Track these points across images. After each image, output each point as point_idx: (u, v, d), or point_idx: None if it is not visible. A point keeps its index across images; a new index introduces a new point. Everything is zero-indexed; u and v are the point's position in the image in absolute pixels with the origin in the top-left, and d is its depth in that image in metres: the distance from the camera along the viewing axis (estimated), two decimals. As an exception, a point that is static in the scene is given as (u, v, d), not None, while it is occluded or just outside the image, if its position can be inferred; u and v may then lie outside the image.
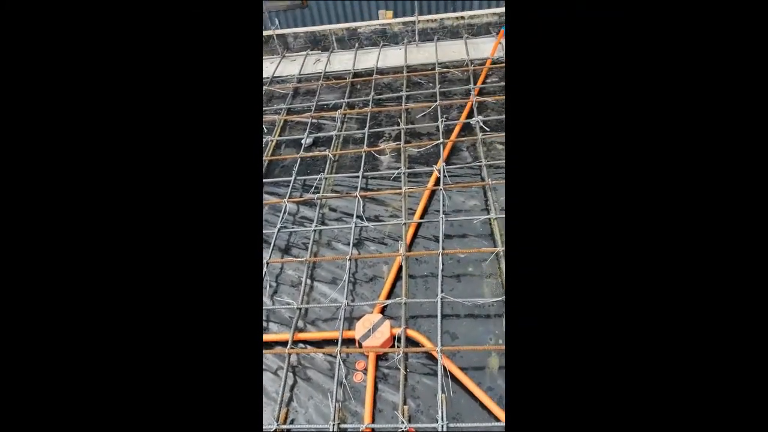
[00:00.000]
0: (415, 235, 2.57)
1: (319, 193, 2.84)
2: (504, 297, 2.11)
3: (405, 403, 1.87)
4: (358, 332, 2.09)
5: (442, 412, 1.75)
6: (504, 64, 3.62)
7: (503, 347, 1.97)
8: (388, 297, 2.25)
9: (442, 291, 2.18)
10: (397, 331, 2.07)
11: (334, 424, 1.80)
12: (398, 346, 2.00)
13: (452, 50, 4.03)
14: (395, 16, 4.24)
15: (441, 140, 2.99)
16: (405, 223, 2.53)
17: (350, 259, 2.37)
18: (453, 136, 3.09)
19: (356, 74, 3.95)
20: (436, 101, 3.34)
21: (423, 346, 2.01)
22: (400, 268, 2.36)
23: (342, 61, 4.19)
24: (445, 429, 1.71)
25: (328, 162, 3.06)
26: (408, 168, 2.94)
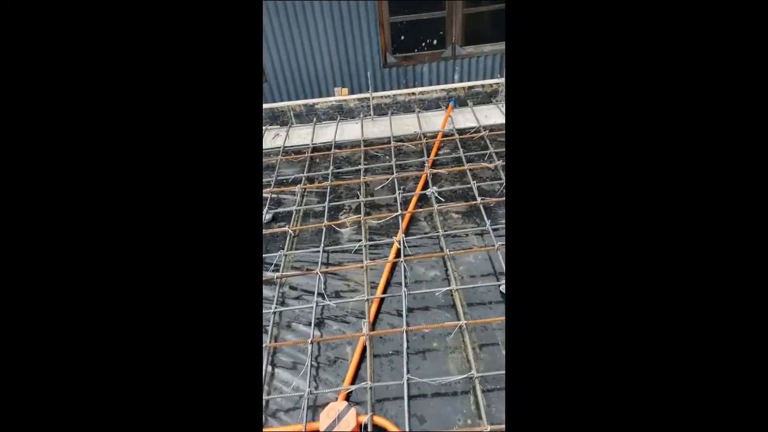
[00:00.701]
0: (378, 311, 2.55)
1: (278, 271, 2.80)
2: (469, 373, 2.09)
3: (374, 502, 1.75)
4: (322, 423, 1.98)
5: None
6: (452, 137, 3.86)
7: (473, 429, 1.92)
8: (353, 381, 2.17)
9: (408, 371, 2.13)
10: (364, 418, 1.98)
11: None
12: (365, 437, 1.91)
13: (406, 123, 4.27)
14: (351, 92, 4.49)
15: (399, 212, 3.07)
16: (368, 299, 2.51)
17: (312, 343, 2.30)
18: (411, 207, 3.19)
19: (315, 148, 4.07)
20: (392, 174, 3.47)
21: (391, 435, 1.93)
22: (364, 349, 2.30)
23: (300, 135, 4.33)
24: None
25: (288, 238, 3.05)
26: (369, 240, 2.97)
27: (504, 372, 2.14)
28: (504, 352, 2.27)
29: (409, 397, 2.07)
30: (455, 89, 4.42)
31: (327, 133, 4.30)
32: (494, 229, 2.85)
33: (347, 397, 2.13)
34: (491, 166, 3.47)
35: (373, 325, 2.44)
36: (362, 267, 2.72)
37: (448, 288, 2.57)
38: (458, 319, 2.39)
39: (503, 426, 1.91)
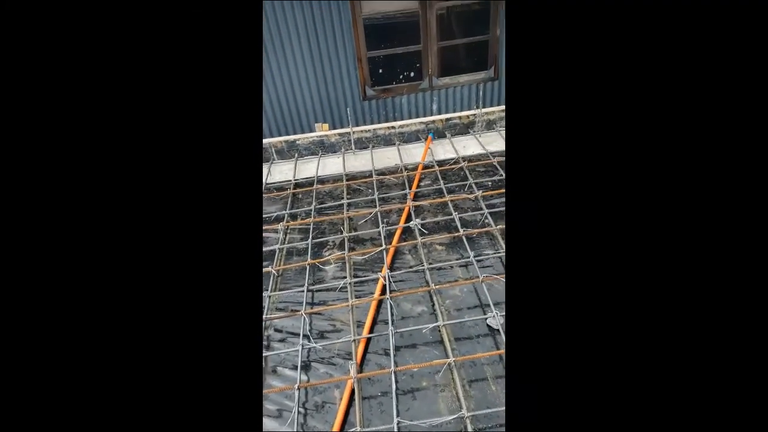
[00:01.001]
0: (365, 351, 2.51)
1: (262, 314, 2.75)
2: (460, 413, 2.06)
3: None
4: (310, 477, 1.91)
5: None
6: (433, 169, 3.92)
7: (466, 472, 1.87)
8: (342, 426, 2.11)
9: (398, 413, 2.09)
10: (354, 468, 1.92)
11: None
12: (356, 488, 1.85)
13: (387, 156, 4.33)
14: (331, 127, 4.55)
15: (384, 246, 3.07)
16: (354, 340, 2.48)
17: (299, 389, 2.24)
18: (395, 241, 3.20)
19: (297, 184, 4.08)
20: (376, 207, 3.49)
21: (382, 485, 1.87)
22: (352, 392, 2.26)
23: (282, 171, 4.34)
24: None
25: (271, 278, 3.01)
26: (354, 277, 2.95)
27: (494, 410, 2.12)
28: (494, 387, 2.26)
29: (400, 442, 2.02)
30: (433, 121, 4.52)
31: (309, 168, 4.33)
32: (478, 260, 2.87)
33: (336, 446, 2.07)
34: (472, 196, 3.52)
35: (360, 366, 2.40)
36: (348, 306, 2.70)
37: (435, 324, 2.55)
38: (446, 356, 2.37)
39: (496, 468, 1.87)
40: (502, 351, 2.34)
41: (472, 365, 2.38)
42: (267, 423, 2.22)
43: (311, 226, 3.43)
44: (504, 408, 2.15)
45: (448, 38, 4.44)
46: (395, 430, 2.02)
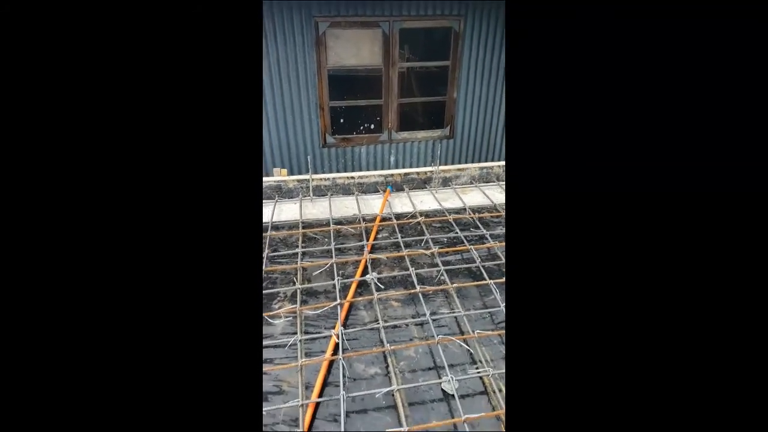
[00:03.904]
0: (313, 417, 2.34)
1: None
2: (413, 490, 1.94)
3: None
4: None
5: None
6: (390, 222, 3.94)
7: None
8: None
9: (345, 492, 1.92)
10: None
11: None
12: None
13: (345, 206, 4.31)
14: (290, 173, 4.49)
15: (339, 300, 2.97)
16: (302, 405, 2.31)
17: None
18: (350, 296, 3.11)
19: (250, 229, 3.92)
20: (332, 258, 3.41)
21: None
22: (297, 466, 2.06)
23: (235, 214, 4.17)
24: None
25: (215, 332, 2.79)
26: (304, 333, 2.81)
27: (449, 486, 2.01)
28: (448, 459, 2.16)
29: None
30: (392, 175, 4.60)
31: (263, 213, 4.20)
32: (434, 320, 2.84)
33: None
34: (428, 252, 3.55)
35: (307, 436, 2.22)
36: (297, 366, 2.53)
37: (389, 388, 2.44)
38: (399, 423, 2.26)
39: None
40: (458, 419, 2.26)
41: (426, 434, 2.28)
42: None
43: (261, 276, 3.26)
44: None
45: (408, 95, 4.64)
46: None
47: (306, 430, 2.23)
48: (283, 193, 4.46)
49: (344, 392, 2.35)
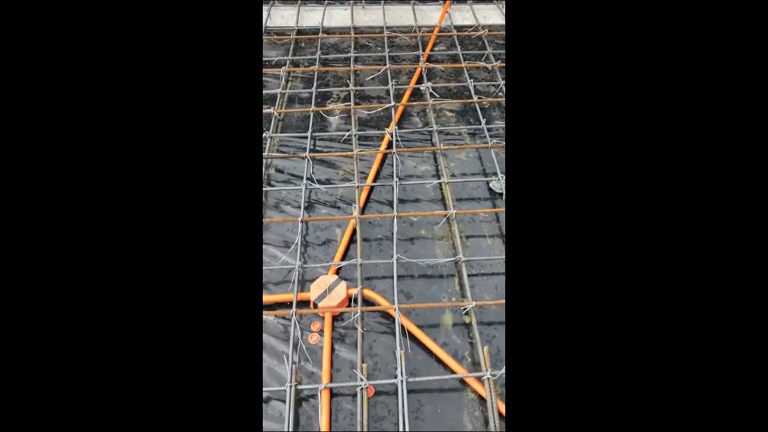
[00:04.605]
0: (368, 199, 2.53)
1: (263, 152, 2.66)
2: (457, 257, 2.17)
3: (363, 361, 1.86)
4: (313, 293, 2.02)
5: (401, 368, 1.77)
6: (451, 33, 3.63)
7: (457, 304, 2.02)
8: (343, 259, 2.20)
9: (396, 252, 2.17)
10: (354, 291, 2.04)
11: (290, 386, 1.74)
12: (355, 306, 1.98)
13: (399, 15, 3.95)
14: (341, -27, 4.03)
15: (392, 103, 2.94)
16: (358, 186, 2.47)
17: (302, 222, 2.27)
18: (404, 100, 3.05)
19: (300, 31, 3.72)
20: (385, 65, 3.26)
21: (380, 305, 2.01)
22: (353, 231, 2.31)
23: (284, 17, 3.92)
24: (404, 383, 1.73)
25: (273, 120, 2.87)
26: (359, 130, 2.86)
27: (487, 257, 2.24)
28: (489, 242, 2.36)
29: (398, 277, 2.13)
30: (456, -19, 4.07)
31: (313, 17, 3.92)
32: (488, 129, 2.81)
33: (337, 272, 2.17)
34: (489, 66, 3.33)
35: (362, 211, 2.43)
36: (352, 156, 2.64)
37: (438, 181, 2.56)
38: (445, 207, 2.42)
39: (487, 302, 2.03)
40: (501, 209, 2.40)
41: (470, 221, 2.45)
42: (270, 250, 2.28)
43: (315, 76, 3.20)
44: (496, 257, 2.28)
45: None
46: (394, 263, 2.11)
47: (361, 207, 2.42)
48: (333, -4, 4.09)
49: (397, 180, 2.48)
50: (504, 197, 2.46)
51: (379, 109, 3.00)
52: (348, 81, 3.22)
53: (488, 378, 1.75)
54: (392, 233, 2.25)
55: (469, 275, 2.16)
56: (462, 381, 1.83)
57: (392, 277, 2.07)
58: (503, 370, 1.78)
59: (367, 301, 2.06)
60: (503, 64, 3.30)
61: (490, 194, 2.59)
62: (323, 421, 1.70)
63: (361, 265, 2.13)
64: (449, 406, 1.78)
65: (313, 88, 3.08)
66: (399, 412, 1.66)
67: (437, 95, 3.11)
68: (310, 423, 1.74)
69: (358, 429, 1.65)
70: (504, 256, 2.24)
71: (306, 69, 3.32)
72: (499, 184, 2.52)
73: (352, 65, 3.31)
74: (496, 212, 2.46)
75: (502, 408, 1.73)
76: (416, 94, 3.19)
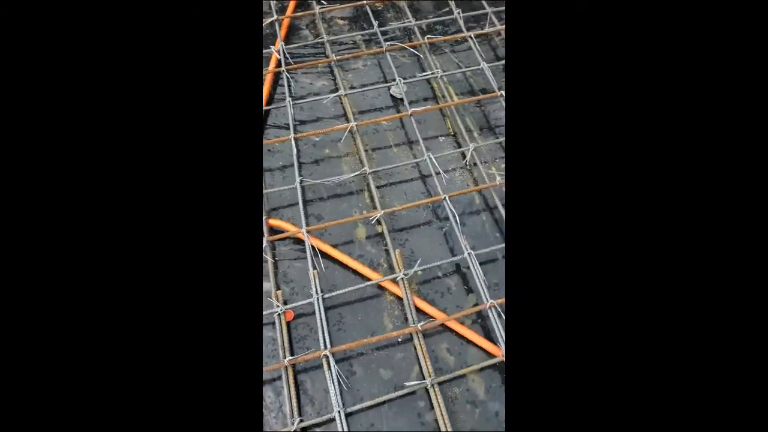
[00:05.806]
0: (264, 125, 2.36)
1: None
2: (362, 170, 2.11)
3: (278, 288, 1.83)
4: (215, 233, 1.91)
5: (315, 286, 1.76)
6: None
7: (365, 215, 2.00)
8: (244, 192, 2.07)
9: (301, 176, 2.08)
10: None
11: (205, 327, 1.69)
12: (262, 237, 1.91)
13: None
14: None
15: (275, 17, 2.66)
16: (249, 113, 2.28)
17: (191, 160, 2.09)
18: (288, 12, 2.77)
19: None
20: (263, -26, 2.90)
21: (287, 231, 1.95)
22: (251, 161, 2.16)
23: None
24: (320, 300, 1.73)
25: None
26: (243, 53, 2.58)
27: (392, 166, 2.20)
28: (395, 151, 2.31)
29: (305, 201, 2.06)
30: None
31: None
32: (383, 33, 2.63)
33: (239, 207, 2.06)
34: (377, -38, 3.05)
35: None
36: (239, 81, 2.40)
37: (335, 95, 2.41)
38: (347, 121, 2.32)
39: (395, 208, 2.02)
40: (404, 113, 2.33)
41: (374, 131, 2.37)
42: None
43: None
44: (402, 163, 2.25)
45: None
46: (297, 188, 2.03)
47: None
48: None
49: (290, 100, 2.31)
50: (406, 102, 2.37)
51: (263, 24, 2.70)
52: (223, -2, 2.85)
53: (402, 278, 1.79)
54: (293, 157, 2.13)
55: (377, 186, 2.13)
56: (379, 286, 1.86)
57: (299, 203, 2.00)
58: (416, 268, 1.82)
59: (274, 230, 1.99)
60: (392, -42, 3.03)
61: (392, 101, 2.50)
62: (245, 353, 1.69)
63: (265, 195, 2.02)
64: (369, 311, 1.83)
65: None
66: (318, 327, 1.68)
67: (324, 2, 2.84)
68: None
69: (280, 352, 1.66)
70: (410, 162, 2.21)
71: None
72: (398, 89, 2.42)
73: (225, -21, 2.91)
74: (400, 117, 2.39)
75: (419, 303, 1.79)
76: (303, 5, 2.89)
